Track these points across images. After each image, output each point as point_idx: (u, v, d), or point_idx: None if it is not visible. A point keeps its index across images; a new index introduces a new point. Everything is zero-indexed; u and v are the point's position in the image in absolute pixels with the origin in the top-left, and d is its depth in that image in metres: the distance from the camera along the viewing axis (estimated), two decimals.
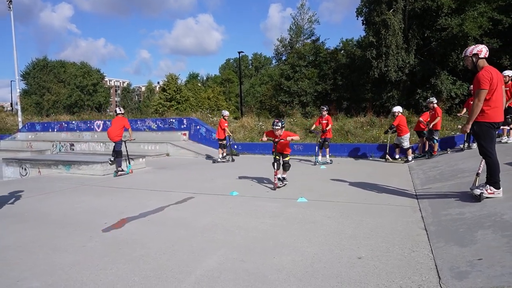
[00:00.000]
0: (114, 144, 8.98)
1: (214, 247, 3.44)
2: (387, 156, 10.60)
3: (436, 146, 9.83)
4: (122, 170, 9.02)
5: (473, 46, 4.33)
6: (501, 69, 8.80)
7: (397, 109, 10.33)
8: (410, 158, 9.98)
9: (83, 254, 3.37)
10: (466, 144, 9.32)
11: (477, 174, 4.46)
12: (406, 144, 10.02)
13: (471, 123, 4.25)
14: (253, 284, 2.64)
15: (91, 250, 3.46)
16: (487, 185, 4.17)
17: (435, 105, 9.87)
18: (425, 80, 21.06)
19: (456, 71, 20.33)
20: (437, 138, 9.82)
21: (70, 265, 3.09)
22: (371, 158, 11.44)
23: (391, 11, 20.30)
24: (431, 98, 10.22)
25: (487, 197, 4.12)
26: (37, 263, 3.17)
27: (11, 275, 2.93)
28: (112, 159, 9.05)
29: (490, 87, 4.08)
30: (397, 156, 10.39)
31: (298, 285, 2.61)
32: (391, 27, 20.00)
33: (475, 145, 8.87)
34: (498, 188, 4.14)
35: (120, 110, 9.43)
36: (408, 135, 10.15)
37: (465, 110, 9.79)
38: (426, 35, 21.07)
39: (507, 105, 8.00)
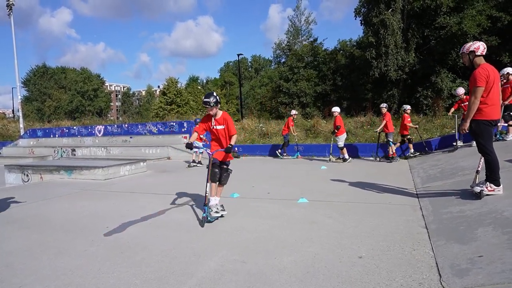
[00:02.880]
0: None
1: (215, 249, 3.46)
2: (330, 156, 10.85)
3: (392, 149, 10.14)
4: (287, 155, 12.45)
5: (470, 43, 4.34)
6: (500, 66, 8.83)
7: (336, 109, 10.64)
8: (346, 156, 10.36)
9: (85, 258, 3.39)
10: (460, 143, 9.35)
11: (477, 172, 4.47)
12: (341, 144, 10.41)
13: (468, 121, 4.26)
14: (254, 285, 2.65)
15: (93, 254, 3.48)
16: (487, 183, 4.17)
17: (384, 110, 10.33)
18: (425, 78, 21.10)
19: (455, 69, 20.38)
20: (391, 140, 10.16)
21: (72, 270, 3.11)
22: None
23: (389, 11, 20.34)
24: (382, 104, 10.70)
25: (487, 195, 4.13)
26: (40, 268, 3.19)
27: (14, 281, 2.94)
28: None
29: (487, 84, 4.08)
30: (344, 156, 10.52)
31: (300, 285, 2.62)
32: (390, 27, 20.04)
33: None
34: (498, 185, 4.14)
35: (291, 112, 12.86)
36: (344, 135, 10.57)
37: (452, 110, 10.19)
38: (425, 34, 21.12)
39: (507, 102, 8.01)
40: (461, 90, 9.78)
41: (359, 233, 3.71)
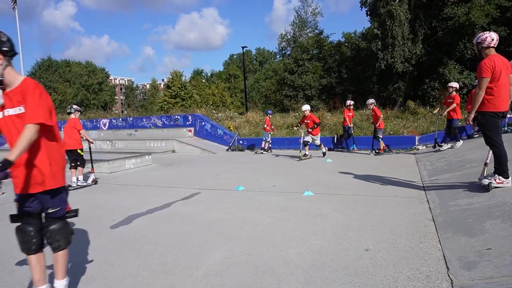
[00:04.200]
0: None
1: (220, 242, 3.46)
2: (301, 154, 10.47)
3: (381, 144, 10.19)
4: (342, 147, 12.10)
5: (480, 33, 4.27)
6: (510, 57, 8.65)
7: (306, 107, 10.44)
8: (324, 150, 10.34)
9: (92, 250, 3.42)
10: (449, 144, 8.97)
11: (485, 164, 4.40)
12: (318, 142, 10.38)
13: (473, 112, 4.22)
14: (260, 277, 2.65)
15: (100, 247, 3.51)
16: (496, 175, 4.11)
17: (373, 106, 10.20)
18: (432, 69, 20.81)
19: (463, 60, 20.05)
20: (381, 136, 10.20)
21: (79, 262, 3.14)
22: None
23: (397, 1, 20.00)
24: (368, 100, 10.53)
25: (495, 187, 4.07)
26: (47, 261, 3.21)
27: (23, 272, 2.98)
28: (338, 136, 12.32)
29: (493, 75, 4.02)
30: (306, 153, 10.34)
31: (305, 277, 2.61)
32: (397, 18, 19.71)
33: (445, 146, 8.83)
34: (506, 177, 4.08)
35: (347, 103, 12.07)
36: (319, 135, 10.44)
37: (438, 109, 10.00)
38: (433, 24, 20.77)
39: None
40: (454, 83, 9.28)
41: (365, 226, 3.69)
